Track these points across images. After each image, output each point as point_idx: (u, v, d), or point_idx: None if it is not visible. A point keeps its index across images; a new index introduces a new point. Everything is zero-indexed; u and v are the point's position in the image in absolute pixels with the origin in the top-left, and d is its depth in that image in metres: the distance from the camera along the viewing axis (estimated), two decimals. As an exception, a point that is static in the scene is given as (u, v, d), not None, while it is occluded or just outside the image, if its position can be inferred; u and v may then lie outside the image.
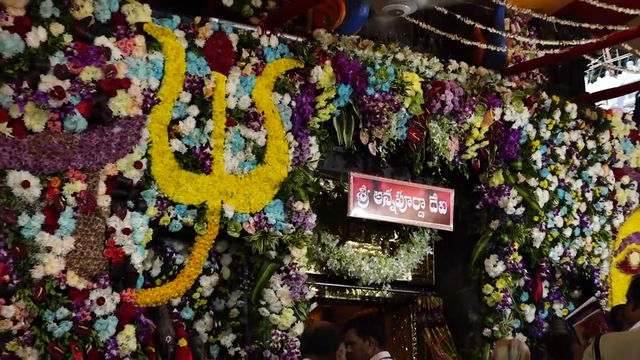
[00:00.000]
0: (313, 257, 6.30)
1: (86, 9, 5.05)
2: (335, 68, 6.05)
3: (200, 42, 5.52)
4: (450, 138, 6.68)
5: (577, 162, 7.44)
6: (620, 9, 6.43)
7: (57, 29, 4.92)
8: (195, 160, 5.41)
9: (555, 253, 7.15)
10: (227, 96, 5.58)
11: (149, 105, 5.25)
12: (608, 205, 7.59)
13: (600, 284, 7.40)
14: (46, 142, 4.84)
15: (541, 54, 7.44)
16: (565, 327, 4.70)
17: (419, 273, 7.17)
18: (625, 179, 7.78)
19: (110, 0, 5.18)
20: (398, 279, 6.92)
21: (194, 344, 5.48)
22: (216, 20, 5.68)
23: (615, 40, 7.08)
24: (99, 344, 4.84)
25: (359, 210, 6.29)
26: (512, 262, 6.86)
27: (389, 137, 6.38)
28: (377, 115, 6.24)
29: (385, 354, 5.13)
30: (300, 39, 6.05)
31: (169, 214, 5.28)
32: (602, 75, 12.89)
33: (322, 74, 5.96)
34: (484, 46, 6.96)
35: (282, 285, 5.64)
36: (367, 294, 6.88)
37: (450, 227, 6.85)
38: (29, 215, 4.72)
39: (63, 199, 4.84)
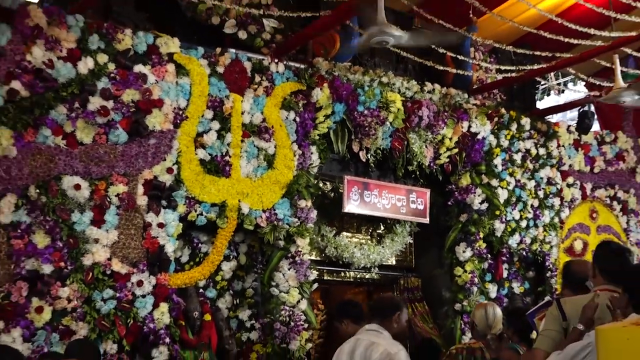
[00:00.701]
0: (314, 245, 6.28)
1: (126, 42, 5.06)
2: (332, 89, 6.05)
3: (220, 69, 5.51)
4: (426, 147, 6.68)
5: (530, 166, 7.43)
6: (566, 40, 6.45)
7: (102, 58, 4.93)
8: (217, 166, 5.40)
9: (514, 241, 7.14)
10: (242, 113, 5.57)
11: (178, 121, 5.25)
12: (556, 201, 7.58)
13: (550, 265, 7.39)
14: (94, 152, 4.86)
15: (500, 77, 7.44)
16: (527, 319, 4.65)
17: (401, 258, 7.15)
18: (570, 179, 7.77)
19: (146, 34, 5.20)
20: (384, 263, 6.90)
21: (217, 318, 5.47)
22: (233, 50, 5.67)
23: (561, 65, 7.08)
24: (138, 319, 4.84)
25: (351, 206, 6.27)
26: (478, 248, 6.86)
27: (376, 146, 6.38)
28: (366, 128, 6.24)
29: (368, 325, 4.47)
30: (302, 66, 6.04)
31: (195, 211, 5.27)
32: (548, 94, 12.87)
33: (320, 95, 5.95)
34: (453, 71, 6.94)
35: (289, 269, 5.62)
36: (358, 276, 6.86)
37: (426, 220, 6.83)
38: (80, 213, 4.73)
39: (108, 199, 4.86)
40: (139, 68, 5.09)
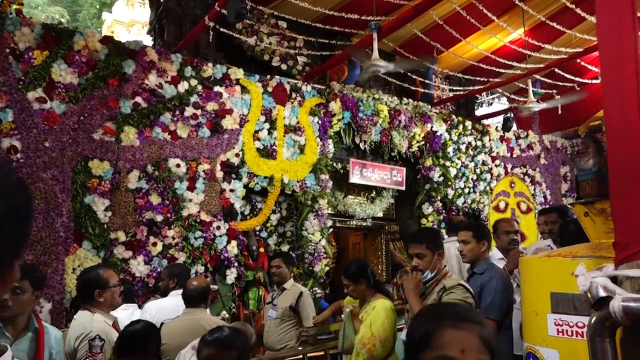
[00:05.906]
0: (330, 203, 6.22)
1: (209, 71, 5.00)
2: (342, 102, 5.95)
3: (269, 89, 5.43)
4: (403, 140, 6.55)
5: (471, 153, 7.28)
6: (496, 69, 6.30)
7: (193, 82, 4.88)
8: (268, 152, 5.33)
9: (460, 201, 7.02)
10: (284, 118, 5.49)
11: (242, 123, 5.18)
12: (488, 176, 7.43)
13: (483, 218, 7.28)
14: (188, 143, 4.81)
15: (452, 94, 7.28)
16: None
17: (386, 212, 7.06)
18: (497, 162, 7.61)
19: (222, 66, 5.12)
20: (375, 215, 6.83)
21: (267, 250, 5.47)
22: (278, 77, 5.58)
23: (492, 87, 6.92)
24: (217, 250, 4.84)
25: (354, 178, 6.20)
26: (436, 206, 6.76)
27: (370, 140, 6.27)
28: (364, 128, 6.14)
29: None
30: (322, 87, 5.94)
31: (254, 181, 5.23)
32: (481, 105, 12.67)
33: (334, 106, 5.86)
34: (421, 90, 6.84)
35: (313, 219, 5.59)
36: (358, 224, 6.80)
37: (403, 188, 6.72)
38: (180, 182, 4.72)
39: (198, 173, 4.83)
40: (217, 88, 5.04)
